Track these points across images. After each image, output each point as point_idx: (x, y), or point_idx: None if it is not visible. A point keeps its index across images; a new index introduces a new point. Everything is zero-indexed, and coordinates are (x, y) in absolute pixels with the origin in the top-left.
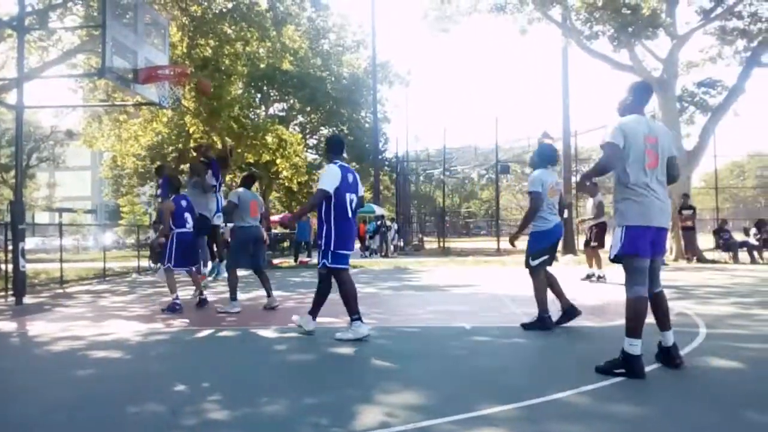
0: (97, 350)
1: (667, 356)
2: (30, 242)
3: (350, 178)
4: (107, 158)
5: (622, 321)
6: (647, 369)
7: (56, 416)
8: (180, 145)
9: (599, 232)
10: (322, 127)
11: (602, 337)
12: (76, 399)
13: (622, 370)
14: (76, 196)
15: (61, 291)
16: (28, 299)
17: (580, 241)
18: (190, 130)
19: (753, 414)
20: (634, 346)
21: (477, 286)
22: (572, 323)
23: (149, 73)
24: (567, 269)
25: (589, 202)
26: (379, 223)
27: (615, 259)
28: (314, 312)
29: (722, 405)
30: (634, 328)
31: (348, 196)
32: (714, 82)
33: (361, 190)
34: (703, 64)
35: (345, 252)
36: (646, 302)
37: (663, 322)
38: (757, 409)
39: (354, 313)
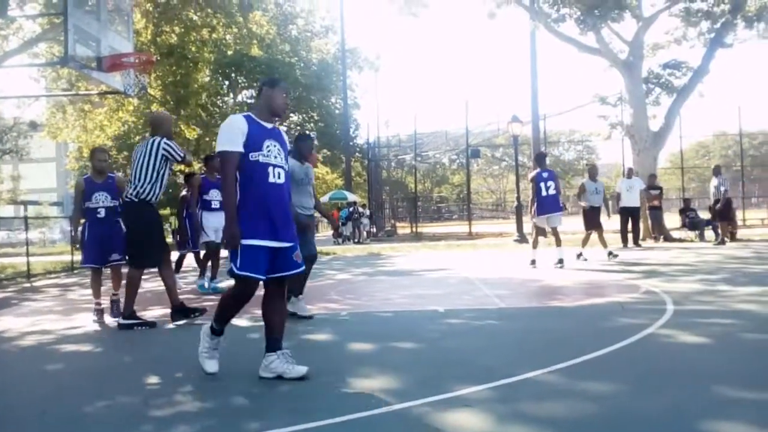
0: (67, 344)
1: None
2: None
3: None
4: (73, 149)
5: (590, 300)
6: (615, 347)
7: (26, 412)
8: (147, 134)
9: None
10: (291, 114)
11: (572, 316)
12: (46, 394)
13: None
14: (42, 189)
15: (28, 285)
16: None
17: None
18: None
19: (722, 388)
20: None
21: (449, 270)
22: (541, 303)
23: (113, 61)
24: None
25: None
26: (351, 209)
27: None
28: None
29: (691, 380)
30: None
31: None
32: (679, 64)
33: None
34: (668, 46)
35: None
36: None
37: None
38: (725, 383)
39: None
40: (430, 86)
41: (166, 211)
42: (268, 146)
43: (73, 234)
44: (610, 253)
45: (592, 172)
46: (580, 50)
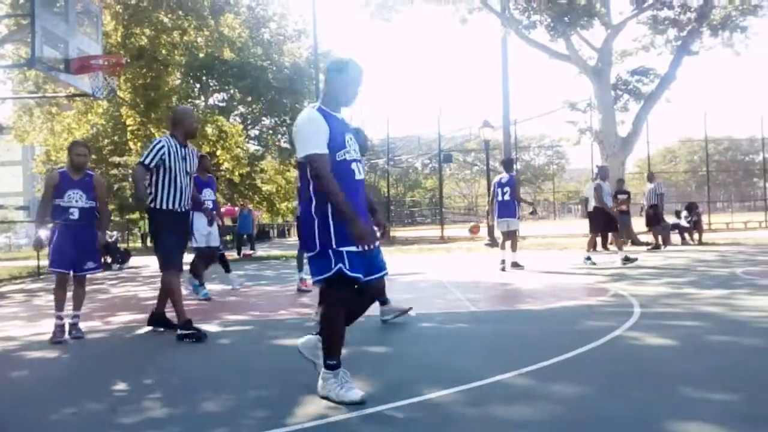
0: (33, 351)
1: None
2: None
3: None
4: (40, 153)
5: (560, 303)
6: (583, 349)
7: None
8: (116, 138)
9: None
10: (263, 118)
11: (542, 319)
12: (11, 401)
13: None
14: (7, 192)
15: None
16: None
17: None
18: (127, 122)
19: (687, 389)
20: None
21: (422, 274)
22: (512, 306)
23: (82, 63)
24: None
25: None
26: None
27: None
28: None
29: (658, 381)
30: None
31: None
32: (647, 71)
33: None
34: (636, 53)
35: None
36: None
37: None
38: (690, 384)
39: None
40: (402, 91)
41: None
42: (348, 141)
43: (37, 235)
44: (626, 258)
45: (603, 173)
46: (550, 56)
